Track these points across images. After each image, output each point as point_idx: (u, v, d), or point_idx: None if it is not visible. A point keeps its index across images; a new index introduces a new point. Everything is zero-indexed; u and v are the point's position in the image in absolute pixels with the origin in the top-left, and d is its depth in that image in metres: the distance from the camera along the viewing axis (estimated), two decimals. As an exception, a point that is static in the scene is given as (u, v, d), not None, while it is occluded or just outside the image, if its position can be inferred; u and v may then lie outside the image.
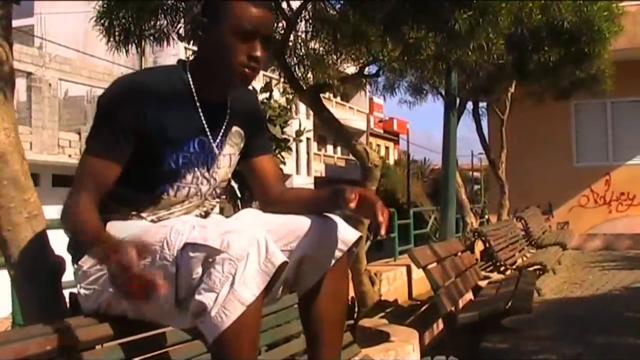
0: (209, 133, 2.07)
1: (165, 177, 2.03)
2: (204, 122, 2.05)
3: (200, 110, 2.05)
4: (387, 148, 55.46)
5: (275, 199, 2.24)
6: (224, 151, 2.14)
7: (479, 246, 9.08)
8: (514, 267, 8.48)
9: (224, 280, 1.71)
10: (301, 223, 2.08)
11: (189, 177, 2.06)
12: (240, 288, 1.71)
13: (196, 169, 2.07)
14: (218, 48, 1.99)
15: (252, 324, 1.75)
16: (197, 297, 1.73)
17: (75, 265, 2.04)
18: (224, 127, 2.11)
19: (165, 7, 5.27)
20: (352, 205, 2.00)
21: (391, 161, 51.19)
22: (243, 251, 1.74)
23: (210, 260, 1.74)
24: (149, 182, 2.03)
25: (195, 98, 2.05)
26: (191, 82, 2.04)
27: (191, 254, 1.77)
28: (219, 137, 2.10)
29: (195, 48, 2.19)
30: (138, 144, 1.97)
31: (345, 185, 2.12)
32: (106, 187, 1.96)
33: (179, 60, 2.14)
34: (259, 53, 1.99)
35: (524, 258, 9.61)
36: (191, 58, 2.14)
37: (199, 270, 1.76)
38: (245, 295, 1.71)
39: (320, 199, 2.18)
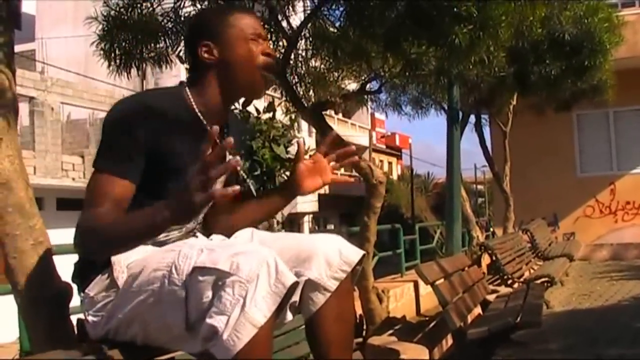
0: None
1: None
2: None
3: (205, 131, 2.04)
4: (390, 163, 55.40)
5: (221, 223, 2.28)
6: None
7: (485, 260, 9.04)
8: (522, 280, 8.44)
9: (235, 303, 1.70)
10: (304, 246, 2.08)
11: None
12: (252, 310, 1.69)
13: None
14: (235, 61, 2.06)
15: (264, 346, 1.73)
16: (208, 320, 1.72)
17: (82, 294, 2.02)
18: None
19: (165, 30, 5.28)
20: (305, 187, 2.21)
21: (394, 176, 51.13)
22: (253, 273, 1.72)
23: (220, 283, 1.73)
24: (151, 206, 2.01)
25: (201, 119, 2.06)
26: (194, 104, 2.06)
27: (200, 278, 1.76)
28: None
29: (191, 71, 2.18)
30: (148, 167, 1.96)
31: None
32: (124, 206, 1.91)
33: (181, 82, 2.14)
34: (270, 50, 2.13)
35: (531, 270, 9.57)
36: (189, 79, 2.14)
37: (209, 293, 1.74)
38: (257, 317, 1.70)
39: (269, 195, 2.33)
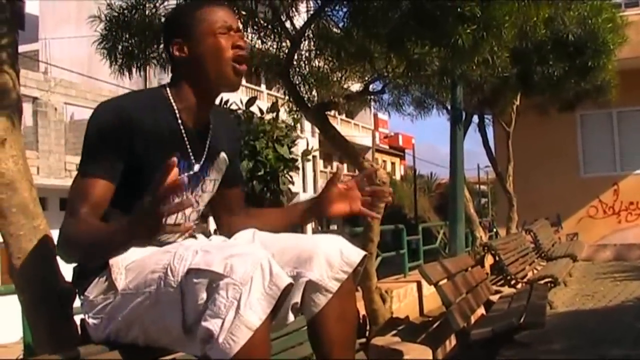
0: (192, 156, 2.11)
1: None
2: (187, 145, 2.09)
3: (184, 133, 2.09)
4: (393, 164, 55.42)
5: (237, 225, 2.28)
6: (211, 176, 2.18)
7: (488, 260, 9.04)
8: (525, 280, 8.44)
9: (229, 306, 1.69)
10: (305, 246, 2.07)
11: (178, 199, 2.07)
12: (246, 312, 1.69)
13: (184, 192, 2.09)
14: (204, 55, 2.07)
15: (261, 348, 1.73)
16: (204, 323, 1.72)
17: (82, 296, 2.03)
18: (206, 151, 2.15)
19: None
20: (333, 211, 2.21)
21: (397, 176, 51.14)
22: (247, 275, 1.72)
23: (214, 285, 1.73)
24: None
25: (180, 122, 2.08)
26: (174, 106, 2.09)
27: (195, 280, 1.76)
28: (203, 161, 2.14)
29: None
30: (128, 168, 2.00)
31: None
32: (102, 207, 1.97)
33: (161, 85, 2.17)
34: (241, 42, 2.11)
35: (535, 271, 9.57)
36: (171, 81, 2.17)
37: (204, 295, 1.74)
38: (251, 320, 1.69)
39: (293, 208, 2.33)
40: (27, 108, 22.09)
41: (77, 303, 2.39)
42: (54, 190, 20.53)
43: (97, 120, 2.02)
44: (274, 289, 1.74)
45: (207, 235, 2.24)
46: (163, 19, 5.22)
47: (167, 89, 2.12)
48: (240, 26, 2.20)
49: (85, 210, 1.92)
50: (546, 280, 8.21)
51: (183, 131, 2.09)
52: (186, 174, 2.09)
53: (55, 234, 2.52)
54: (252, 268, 1.73)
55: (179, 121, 2.08)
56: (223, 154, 2.21)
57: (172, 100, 2.09)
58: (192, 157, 2.11)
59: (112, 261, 1.94)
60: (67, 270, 2.35)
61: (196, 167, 2.12)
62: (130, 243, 1.82)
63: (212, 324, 1.70)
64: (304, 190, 36.36)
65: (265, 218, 2.33)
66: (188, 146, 2.10)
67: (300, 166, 13.35)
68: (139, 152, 1.99)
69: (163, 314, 1.82)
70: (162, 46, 5.33)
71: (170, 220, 2.06)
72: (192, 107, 2.11)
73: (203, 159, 2.14)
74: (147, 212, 1.67)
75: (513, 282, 8.28)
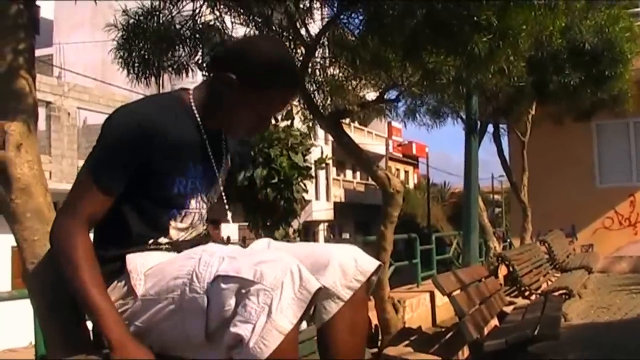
0: (213, 160, 2.13)
1: (173, 203, 2.07)
2: (209, 150, 2.11)
3: (206, 138, 2.10)
4: (406, 172, 55.28)
5: None
6: (222, 177, 2.22)
7: (502, 271, 8.99)
8: (539, 291, 8.39)
9: (260, 311, 1.71)
10: (320, 254, 2.08)
11: (194, 203, 2.11)
12: (278, 317, 1.71)
13: (199, 194, 2.12)
14: (243, 112, 2.06)
15: (291, 352, 1.75)
16: (233, 329, 1.72)
17: None
18: (224, 156, 2.20)
19: (183, 38, 5.31)
20: None
21: (410, 185, 51.01)
22: (277, 280, 1.73)
23: (244, 291, 1.74)
24: (157, 209, 2.06)
25: (202, 128, 2.09)
26: (196, 112, 2.09)
27: (223, 286, 1.77)
28: (222, 166, 2.19)
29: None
30: (145, 173, 1.99)
31: None
32: (99, 217, 1.99)
33: (182, 89, 2.16)
34: (271, 116, 2.17)
35: (549, 282, 9.51)
36: (196, 89, 2.15)
37: (232, 302, 1.75)
38: (283, 324, 1.71)
39: None
40: (41, 112, 22.07)
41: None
42: (66, 195, 20.60)
43: (118, 126, 2.00)
44: (305, 293, 1.76)
45: (223, 242, 2.25)
46: (179, 26, 5.26)
47: (191, 94, 2.12)
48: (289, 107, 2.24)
49: (81, 219, 1.96)
50: (561, 291, 8.16)
51: (206, 139, 2.10)
52: (199, 180, 2.11)
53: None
54: (282, 273, 1.75)
55: (202, 130, 2.09)
56: (229, 155, 2.26)
57: (194, 108, 2.09)
58: (214, 165, 2.14)
59: (130, 267, 1.95)
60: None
61: (218, 174, 2.16)
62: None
63: (243, 329, 1.71)
64: (317, 199, 36.38)
65: None
66: (209, 151, 2.11)
67: (313, 174, 13.36)
68: (156, 160, 1.99)
69: (184, 320, 1.83)
70: (177, 53, 5.37)
71: (188, 220, 2.09)
72: (211, 118, 2.11)
73: (222, 164, 2.19)
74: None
75: (527, 293, 8.24)
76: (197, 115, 2.09)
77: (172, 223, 2.08)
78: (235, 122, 2.09)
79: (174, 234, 2.09)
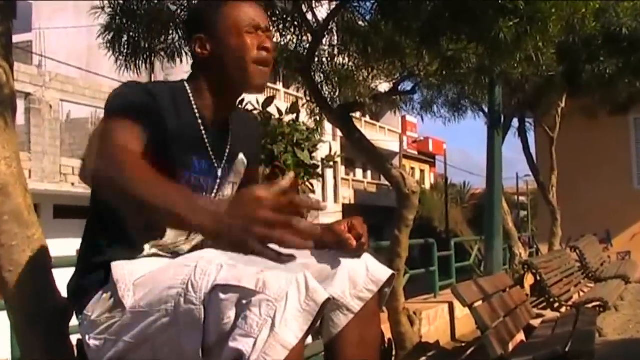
0: (212, 156, 2.14)
1: None
2: (207, 144, 2.12)
3: (204, 133, 2.12)
4: (422, 171, 55.29)
5: None
6: (230, 178, 2.21)
7: (529, 280, 8.99)
8: (570, 303, 8.38)
9: (263, 324, 1.69)
10: (327, 262, 2.08)
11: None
12: (282, 330, 1.69)
13: (204, 194, 2.11)
14: (227, 54, 2.10)
15: None
16: (232, 344, 1.71)
17: (81, 315, 2.02)
18: (227, 153, 2.19)
19: (177, 20, 5.32)
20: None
21: (427, 185, 51.02)
22: (282, 291, 1.72)
23: (245, 302, 1.72)
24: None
25: (199, 119, 2.11)
26: (194, 102, 2.12)
27: (222, 296, 1.75)
28: (224, 163, 2.18)
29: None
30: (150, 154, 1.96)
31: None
32: (141, 151, 1.88)
33: (183, 80, 2.19)
34: (268, 43, 2.13)
35: (581, 293, 9.50)
36: (190, 77, 2.19)
37: (232, 314, 1.74)
38: (287, 338, 1.69)
39: None
40: (19, 105, 22.23)
41: (73, 321, 2.40)
42: (47, 196, 20.67)
43: (129, 90, 2.02)
44: (312, 305, 1.74)
45: None
46: (173, 8, 5.27)
47: (186, 84, 2.16)
48: (270, 25, 2.22)
49: (125, 145, 1.83)
50: (594, 304, 8.14)
51: (203, 130, 2.11)
52: (203, 177, 2.11)
53: (50, 244, 2.54)
54: (286, 283, 1.73)
55: (199, 120, 2.11)
56: (242, 156, 2.24)
57: (191, 97, 2.12)
58: (213, 159, 2.14)
59: (116, 276, 1.93)
60: (63, 284, 2.37)
61: (219, 171, 2.16)
62: (198, 231, 1.69)
63: (243, 344, 1.70)
64: (324, 200, 36.38)
65: None
66: (208, 147, 2.13)
67: (320, 172, 13.38)
68: (163, 142, 1.99)
69: (179, 334, 1.82)
70: (170, 37, 5.38)
71: (182, 236, 2.08)
72: (211, 106, 2.13)
73: (224, 161, 2.18)
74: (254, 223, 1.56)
75: (557, 305, 8.22)
76: (194, 106, 2.11)
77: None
78: (238, 71, 2.10)
79: (171, 236, 2.08)
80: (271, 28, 2.26)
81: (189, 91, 2.13)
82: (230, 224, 1.56)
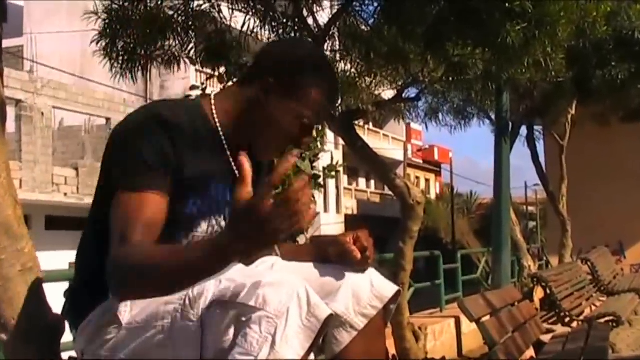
0: (229, 178, 2.08)
1: (181, 224, 2.02)
2: (234, 167, 2.05)
3: (230, 157, 2.07)
4: (427, 180, 55.30)
5: None
6: None
7: (538, 294, 8.97)
8: (582, 318, 8.36)
9: (263, 342, 1.69)
10: (330, 276, 2.06)
11: (204, 226, 2.07)
12: (283, 348, 1.69)
13: (213, 217, 2.08)
14: (275, 123, 2.05)
15: None
16: None
17: (75, 331, 2.02)
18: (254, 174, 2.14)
19: (175, 26, 5.33)
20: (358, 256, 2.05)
21: (432, 195, 51.04)
22: (282, 306, 1.71)
23: (244, 319, 1.72)
24: (164, 231, 1.99)
25: (224, 143, 2.07)
26: (219, 126, 2.07)
27: (220, 313, 1.75)
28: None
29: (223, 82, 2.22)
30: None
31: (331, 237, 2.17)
32: (159, 226, 1.90)
33: (202, 96, 2.15)
34: (310, 138, 2.15)
35: (593, 307, 9.47)
36: (219, 96, 2.14)
37: (230, 331, 1.74)
38: (289, 356, 1.69)
39: (300, 254, 2.23)
40: (10, 112, 22.25)
41: (65, 337, 2.40)
42: (39, 206, 20.68)
43: (134, 125, 1.98)
44: (313, 321, 1.74)
45: None
46: (170, 12, 5.28)
47: (213, 102, 2.10)
48: (319, 119, 2.20)
49: (143, 232, 1.85)
50: (607, 318, 8.12)
51: (230, 156, 2.06)
52: (216, 202, 2.08)
53: (40, 257, 2.53)
54: (287, 298, 1.73)
55: (224, 143, 2.07)
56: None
57: (216, 119, 2.07)
58: (229, 181, 2.08)
59: None
60: (54, 299, 2.36)
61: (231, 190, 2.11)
62: (222, 264, 1.72)
63: None
64: (326, 211, 36.38)
65: (283, 251, 2.27)
66: (234, 168, 2.05)
67: (322, 183, 13.38)
68: (179, 172, 1.96)
69: (176, 352, 1.81)
70: (167, 43, 5.39)
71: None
72: (236, 133, 2.08)
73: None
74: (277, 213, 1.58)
75: (567, 319, 8.20)
76: (220, 129, 2.07)
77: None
78: (269, 136, 2.06)
79: None
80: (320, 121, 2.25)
81: (214, 112, 2.08)
82: (241, 233, 1.61)
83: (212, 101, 2.10)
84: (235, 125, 2.08)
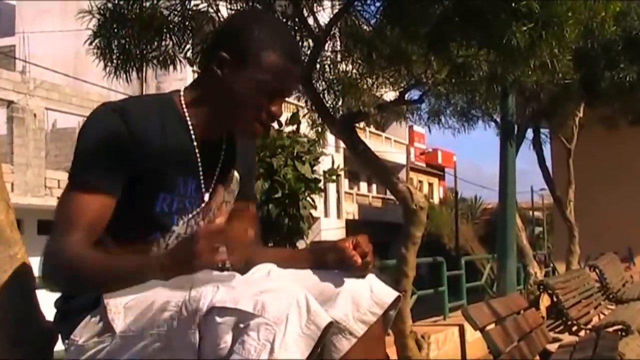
0: (202, 175, 2.13)
1: (156, 224, 2.07)
2: (198, 162, 2.12)
3: (197, 149, 2.11)
4: (430, 184, 55.32)
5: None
6: (221, 197, 2.20)
7: (544, 301, 8.98)
8: (590, 327, 8.35)
9: (261, 349, 1.70)
10: (328, 282, 2.06)
11: (182, 225, 2.10)
12: (282, 356, 1.69)
13: (190, 215, 2.11)
14: (237, 96, 2.07)
15: None
16: None
17: (67, 340, 2.02)
18: (218, 169, 2.18)
19: (171, 25, 5.34)
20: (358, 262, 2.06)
21: (435, 200, 51.03)
22: (281, 313, 1.73)
23: (242, 326, 1.73)
24: (138, 229, 2.06)
25: (192, 135, 2.10)
26: (187, 117, 2.11)
27: (218, 320, 1.76)
28: (214, 181, 2.17)
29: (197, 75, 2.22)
30: (128, 183, 2.01)
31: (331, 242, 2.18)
32: (101, 225, 1.99)
33: (176, 90, 2.18)
34: (280, 113, 2.13)
35: (601, 316, 9.47)
36: (188, 88, 2.18)
37: (228, 338, 1.74)
38: None
39: (298, 260, 2.23)
40: (1, 113, 22.33)
41: (58, 346, 2.40)
42: (31, 210, 20.67)
43: (97, 123, 2.03)
44: (313, 329, 1.75)
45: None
46: (166, 12, 5.29)
47: (182, 95, 2.14)
48: (292, 92, 2.22)
49: (82, 232, 1.95)
50: (616, 327, 8.11)
51: (195, 147, 2.11)
52: (189, 199, 2.11)
53: (33, 262, 2.54)
54: (287, 305, 1.74)
55: (192, 135, 2.11)
56: (234, 173, 2.24)
57: (185, 111, 2.11)
58: (201, 179, 2.13)
59: (107, 298, 1.94)
60: (47, 306, 2.37)
61: (207, 194, 2.15)
62: (163, 272, 1.88)
63: None
64: (326, 215, 36.37)
65: (265, 257, 2.27)
66: (199, 165, 2.12)
67: (323, 187, 13.34)
68: (143, 167, 2.01)
69: None
70: (163, 43, 5.40)
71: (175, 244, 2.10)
72: (206, 121, 2.13)
73: (215, 179, 2.17)
74: (201, 241, 1.78)
75: (575, 328, 8.19)
76: (188, 121, 2.10)
77: (155, 248, 2.07)
78: (236, 116, 2.09)
79: None
80: (292, 94, 2.26)
81: (183, 104, 2.12)
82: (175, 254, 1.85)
83: (181, 93, 2.14)
84: (204, 113, 2.12)
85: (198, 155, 2.11)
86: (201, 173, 2.13)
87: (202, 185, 2.14)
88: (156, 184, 2.04)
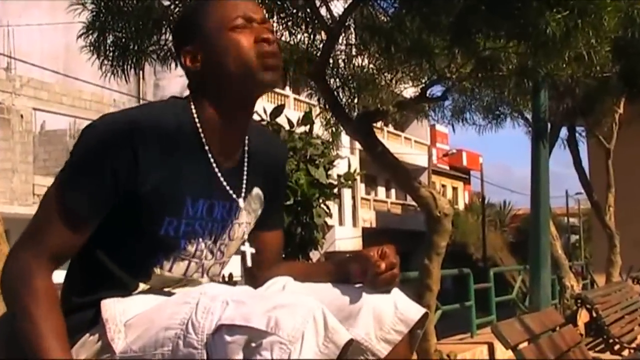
0: (214, 195, 2.08)
1: (160, 247, 2.05)
2: (222, 180, 2.08)
3: (215, 165, 2.07)
4: (454, 189, 55.24)
5: (265, 276, 2.25)
6: (240, 219, 2.15)
7: (582, 317, 8.96)
8: (634, 345, 8.34)
9: None
10: (348, 298, 2.05)
11: (190, 249, 2.07)
12: None
13: (201, 239, 2.08)
14: (221, 58, 2.05)
15: None
16: None
17: None
18: (244, 188, 2.14)
19: (172, 18, 5.36)
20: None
21: (460, 206, 50.96)
22: (297, 331, 1.72)
23: (255, 345, 1.73)
24: (142, 251, 2.04)
25: (207, 149, 2.06)
26: (199, 127, 2.06)
27: (228, 338, 1.76)
28: (231, 201, 2.12)
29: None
30: (129, 205, 1.97)
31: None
32: (66, 254, 1.99)
33: (186, 97, 2.14)
34: (267, 34, 2.08)
35: (646, 333, 9.45)
36: (189, 96, 2.14)
37: (239, 357, 1.75)
38: None
39: (316, 273, 2.23)
40: (-14, 115, 22.38)
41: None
42: (18, 220, 20.66)
43: (100, 135, 1.97)
44: (331, 347, 1.75)
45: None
46: (166, 3, 5.32)
47: (192, 104, 2.10)
48: (265, 17, 2.18)
49: (44, 256, 1.93)
50: (662, 345, 8.12)
51: (213, 163, 2.07)
52: (199, 222, 2.07)
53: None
54: (302, 322, 1.74)
55: (207, 149, 2.06)
56: (257, 190, 2.19)
57: (196, 119, 2.07)
58: (211, 199, 2.08)
59: (106, 315, 1.94)
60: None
61: (219, 214, 2.10)
62: None
63: None
64: (341, 224, 36.34)
65: (289, 271, 2.26)
66: (223, 182, 2.08)
67: (337, 193, 13.30)
68: (148, 186, 1.97)
69: None
70: (162, 37, 5.43)
71: (180, 269, 2.09)
72: (220, 129, 2.08)
73: (232, 199, 2.12)
74: None
75: (617, 347, 8.18)
76: (199, 128, 2.06)
77: (157, 270, 2.06)
78: (239, 75, 2.04)
79: (156, 281, 2.07)
80: (267, 19, 2.22)
81: (195, 114, 2.07)
82: None
83: (192, 105, 2.10)
84: (210, 117, 2.07)
85: (218, 172, 2.07)
86: (213, 192, 2.07)
87: (216, 205, 2.09)
88: (160, 207, 2.00)
